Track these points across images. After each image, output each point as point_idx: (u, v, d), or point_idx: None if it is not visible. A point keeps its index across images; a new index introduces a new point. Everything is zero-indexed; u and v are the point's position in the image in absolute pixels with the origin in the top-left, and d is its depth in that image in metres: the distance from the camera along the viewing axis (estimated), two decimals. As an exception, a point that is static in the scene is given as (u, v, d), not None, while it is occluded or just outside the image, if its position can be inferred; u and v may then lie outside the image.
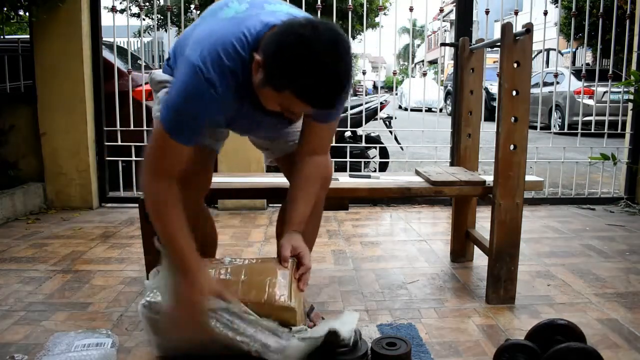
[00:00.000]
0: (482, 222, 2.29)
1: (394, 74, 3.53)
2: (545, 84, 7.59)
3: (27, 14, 3.01)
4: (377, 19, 14.49)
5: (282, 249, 1.30)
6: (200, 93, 1.09)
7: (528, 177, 1.73)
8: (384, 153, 4.01)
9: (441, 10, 3.61)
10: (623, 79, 3.09)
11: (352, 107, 3.72)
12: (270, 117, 1.28)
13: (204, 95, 1.10)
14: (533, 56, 1.68)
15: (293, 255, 1.31)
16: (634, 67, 3.31)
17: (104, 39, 3.23)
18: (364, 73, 3.54)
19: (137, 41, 9.77)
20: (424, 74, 3.85)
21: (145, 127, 3.15)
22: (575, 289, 1.87)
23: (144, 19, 3.50)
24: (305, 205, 1.37)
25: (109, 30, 3.29)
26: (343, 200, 2.02)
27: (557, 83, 3.63)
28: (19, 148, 3.16)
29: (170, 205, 1.18)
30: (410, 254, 2.30)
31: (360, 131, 3.95)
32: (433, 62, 28.83)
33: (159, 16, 12.17)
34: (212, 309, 1.18)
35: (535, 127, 3.71)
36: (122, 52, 3.67)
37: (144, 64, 3.25)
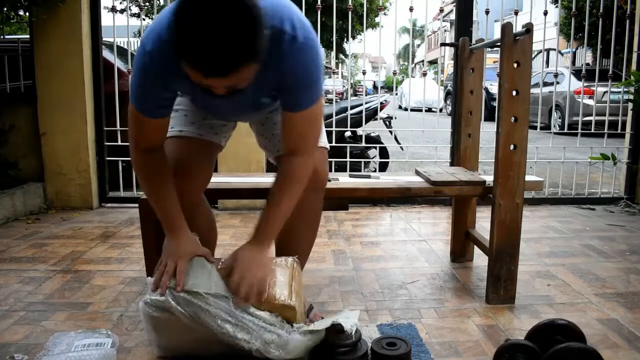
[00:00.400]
0: (482, 222, 2.29)
1: (394, 74, 3.53)
2: (545, 84, 7.60)
3: (27, 14, 3.00)
4: (377, 19, 14.48)
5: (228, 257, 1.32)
6: (143, 66, 1.15)
7: (528, 177, 1.73)
8: (384, 153, 4.01)
9: (441, 10, 3.61)
10: (623, 79, 3.09)
11: (352, 107, 3.72)
12: (224, 98, 1.13)
13: (145, 68, 1.15)
14: (533, 56, 1.68)
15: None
16: (634, 67, 3.30)
17: (104, 39, 3.23)
18: (364, 73, 3.54)
19: (137, 41, 9.76)
20: (424, 74, 3.85)
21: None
22: (575, 289, 1.87)
23: (144, 19, 3.50)
24: (270, 211, 1.30)
25: (109, 30, 3.29)
26: (343, 200, 2.02)
27: (557, 83, 3.63)
28: (19, 148, 3.16)
29: (151, 173, 1.28)
30: (410, 254, 2.30)
31: (360, 131, 3.95)
32: (433, 62, 28.83)
33: (159, 16, 12.16)
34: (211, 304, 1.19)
35: (535, 127, 3.72)
36: (122, 52, 3.67)
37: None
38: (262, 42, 1.00)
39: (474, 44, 2.02)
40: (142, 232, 1.59)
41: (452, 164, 3.25)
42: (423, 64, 28.14)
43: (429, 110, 10.45)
